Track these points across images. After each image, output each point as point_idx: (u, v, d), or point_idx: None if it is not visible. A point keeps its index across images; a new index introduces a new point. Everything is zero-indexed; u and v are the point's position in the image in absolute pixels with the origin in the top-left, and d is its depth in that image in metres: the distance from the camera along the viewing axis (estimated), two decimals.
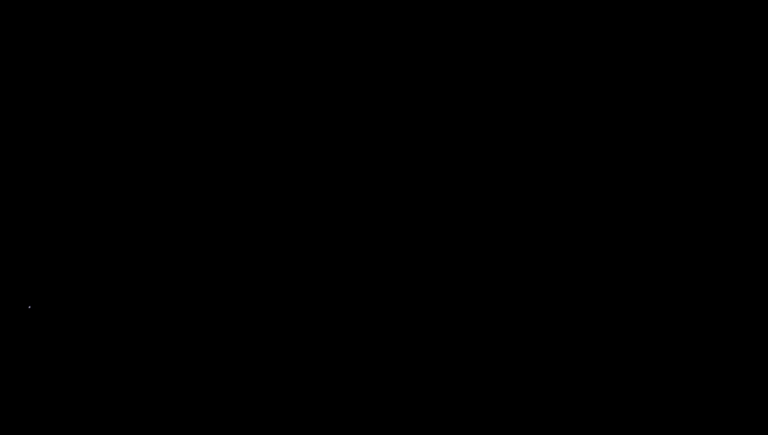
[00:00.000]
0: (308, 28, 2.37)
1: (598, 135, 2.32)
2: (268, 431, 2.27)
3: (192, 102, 2.37)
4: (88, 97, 2.38)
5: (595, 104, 2.33)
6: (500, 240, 2.31)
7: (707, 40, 2.32)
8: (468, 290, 2.30)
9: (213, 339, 2.31)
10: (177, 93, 2.37)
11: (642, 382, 2.24)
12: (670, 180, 2.30)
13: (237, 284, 2.33)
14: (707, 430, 2.21)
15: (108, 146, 2.37)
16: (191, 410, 2.28)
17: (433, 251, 2.32)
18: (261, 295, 2.33)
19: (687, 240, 2.28)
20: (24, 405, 2.28)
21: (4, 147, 2.36)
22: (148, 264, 2.34)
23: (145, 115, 2.37)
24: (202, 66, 2.38)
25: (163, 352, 2.31)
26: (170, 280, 2.33)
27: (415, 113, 2.36)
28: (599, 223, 2.30)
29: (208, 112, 2.37)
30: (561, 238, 2.30)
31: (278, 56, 2.38)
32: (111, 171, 2.36)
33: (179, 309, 2.32)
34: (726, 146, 2.30)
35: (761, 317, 2.24)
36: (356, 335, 2.31)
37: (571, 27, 2.34)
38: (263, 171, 2.36)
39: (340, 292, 2.32)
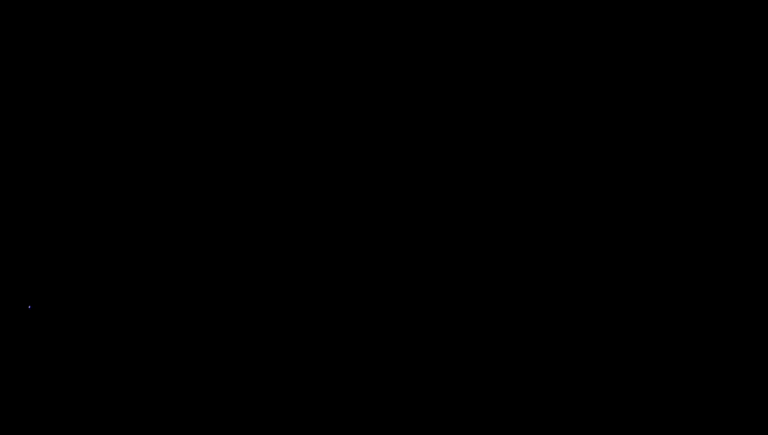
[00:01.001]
0: (308, 28, 2.38)
1: (597, 135, 2.33)
2: (268, 431, 2.27)
3: (192, 102, 2.37)
4: (88, 97, 2.38)
5: (595, 104, 2.33)
6: (499, 240, 2.32)
7: (708, 40, 2.32)
8: (468, 290, 2.31)
9: (213, 339, 2.32)
10: (176, 93, 2.38)
11: (642, 382, 2.25)
12: (670, 180, 2.30)
13: (237, 283, 2.33)
14: (707, 430, 2.21)
15: (108, 146, 2.37)
16: (191, 410, 2.28)
17: (432, 251, 2.32)
18: (261, 295, 2.33)
19: (687, 240, 2.29)
20: (25, 405, 2.28)
21: (4, 147, 2.37)
22: (148, 264, 2.34)
23: (145, 115, 2.38)
24: (202, 66, 2.38)
25: (163, 352, 2.31)
26: (170, 280, 2.33)
27: (414, 113, 2.36)
28: (598, 223, 2.31)
29: (208, 112, 2.38)
30: (561, 238, 2.31)
31: (278, 56, 2.38)
32: (111, 171, 2.37)
33: (179, 309, 2.32)
34: (726, 146, 2.30)
35: (761, 317, 2.24)
36: (356, 335, 2.31)
37: (571, 27, 2.34)
38: (262, 171, 2.36)
39: (340, 292, 2.33)
